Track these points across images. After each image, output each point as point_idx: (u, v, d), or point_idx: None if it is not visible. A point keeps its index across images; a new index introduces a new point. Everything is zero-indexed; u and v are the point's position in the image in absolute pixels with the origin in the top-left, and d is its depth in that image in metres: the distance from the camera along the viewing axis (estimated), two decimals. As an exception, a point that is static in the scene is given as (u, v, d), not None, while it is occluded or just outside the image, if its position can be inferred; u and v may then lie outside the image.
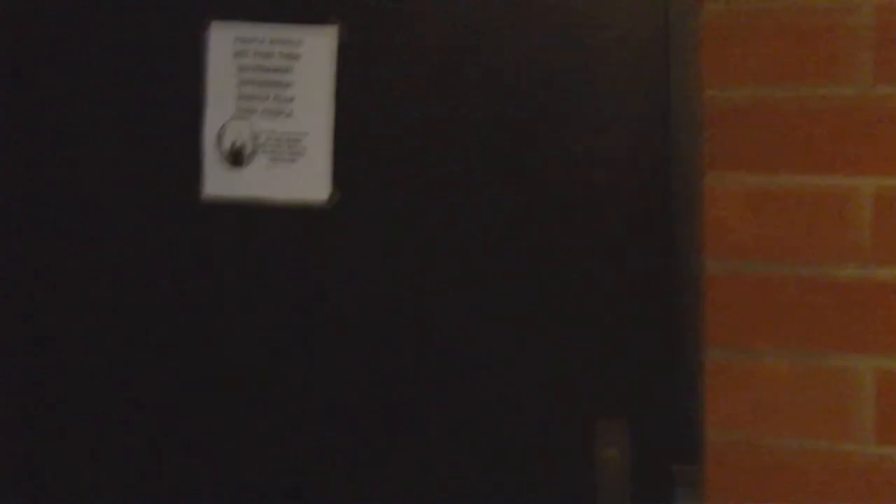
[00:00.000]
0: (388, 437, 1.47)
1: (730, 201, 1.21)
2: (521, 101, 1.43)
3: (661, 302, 1.38)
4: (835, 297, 1.17)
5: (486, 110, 1.44)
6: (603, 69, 1.40)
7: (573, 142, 1.42)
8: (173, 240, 1.54)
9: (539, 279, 1.43)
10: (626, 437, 1.39)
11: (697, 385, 1.26)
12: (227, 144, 1.52)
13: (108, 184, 1.56)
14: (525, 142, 1.43)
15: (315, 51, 1.49)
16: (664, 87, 1.38)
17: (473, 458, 1.45)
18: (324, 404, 1.49)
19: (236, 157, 1.52)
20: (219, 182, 1.53)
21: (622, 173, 1.40)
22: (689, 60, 1.34)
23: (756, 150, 1.20)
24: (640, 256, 1.40)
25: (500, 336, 1.44)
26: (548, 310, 1.43)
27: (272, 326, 1.51)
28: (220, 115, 1.53)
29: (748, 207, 1.21)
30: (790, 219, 1.19)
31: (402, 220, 1.47)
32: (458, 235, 1.45)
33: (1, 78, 1.57)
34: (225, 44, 1.52)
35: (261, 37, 1.52)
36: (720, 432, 1.22)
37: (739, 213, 1.21)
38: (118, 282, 1.55)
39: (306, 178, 1.49)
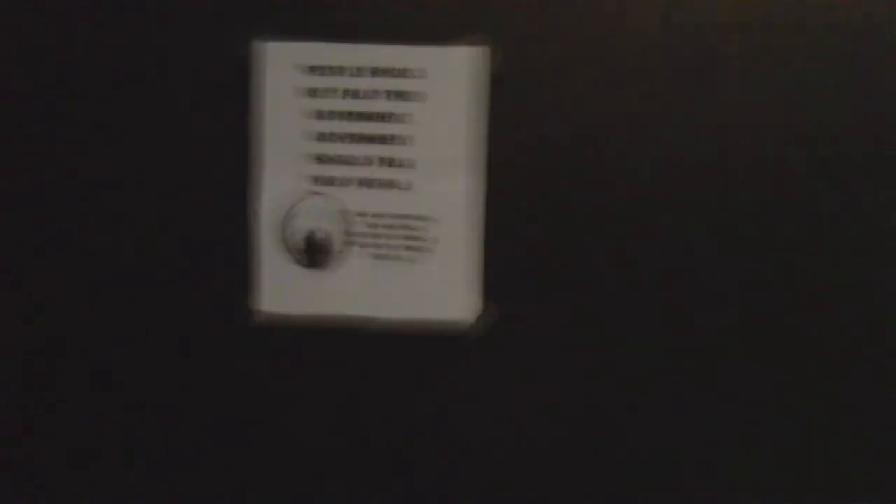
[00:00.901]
0: None
1: None
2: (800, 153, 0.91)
3: None
4: None
5: (735, 177, 0.91)
6: None
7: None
8: (216, 373, 0.96)
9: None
10: None
11: None
12: (297, 234, 0.95)
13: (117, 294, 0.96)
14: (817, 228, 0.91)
15: (449, 85, 0.92)
16: None
17: None
18: None
19: (314, 255, 0.95)
20: (284, 294, 0.95)
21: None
22: None
23: None
24: None
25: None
26: None
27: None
28: (283, 189, 0.94)
29: None
30: None
31: (590, 353, 0.93)
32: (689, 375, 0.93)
33: None
34: (286, 75, 0.94)
35: (354, 64, 0.94)
36: None
37: None
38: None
39: (435, 288, 0.93)
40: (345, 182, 0.94)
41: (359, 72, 0.93)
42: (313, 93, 0.94)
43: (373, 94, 0.93)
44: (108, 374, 0.97)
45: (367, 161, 0.94)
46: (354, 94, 0.93)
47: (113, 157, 0.96)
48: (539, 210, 0.92)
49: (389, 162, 0.93)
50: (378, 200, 0.94)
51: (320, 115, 0.94)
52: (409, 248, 0.93)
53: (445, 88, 0.92)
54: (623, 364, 0.92)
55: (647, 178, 0.90)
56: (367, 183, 0.94)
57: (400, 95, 0.93)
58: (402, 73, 0.93)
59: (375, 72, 0.93)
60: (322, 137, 0.94)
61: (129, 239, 0.96)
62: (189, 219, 0.96)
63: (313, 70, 0.94)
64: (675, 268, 0.90)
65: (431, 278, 0.93)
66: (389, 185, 0.94)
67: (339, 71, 0.93)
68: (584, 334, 0.92)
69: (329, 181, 0.94)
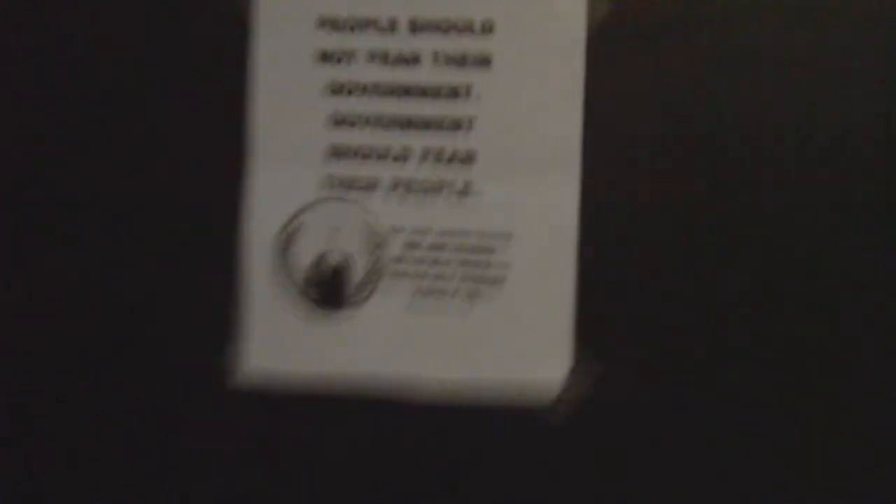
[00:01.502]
0: None
1: None
2: None
3: None
4: None
5: None
6: None
7: None
8: (192, 456, 0.67)
9: None
10: None
11: None
12: (303, 259, 0.66)
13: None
14: None
15: (528, 44, 0.64)
16: None
17: None
18: None
19: (327, 289, 0.66)
20: (285, 345, 0.66)
21: None
22: None
23: None
24: None
25: None
26: None
27: None
28: (284, 194, 0.66)
29: None
30: None
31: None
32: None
33: None
34: (287, 32, 0.65)
35: (386, 13, 0.65)
36: None
37: None
38: None
39: (507, 336, 0.65)
40: (372, 184, 0.65)
41: (392, 26, 0.64)
42: (326, 57, 0.65)
43: (413, 59, 0.64)
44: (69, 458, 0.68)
45: (405, 154, 0.65)
46: (385, 57, 0.64)
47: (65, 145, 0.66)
48: (656, 226, 0.64)
49: (438, 155, 0.65)
50: (422, 211, 0.65)
51: (337, 88, 0.65)
52: (467, 279, 0.64)
53: (523, 50, 0.63)
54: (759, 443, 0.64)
55: (790, 195, 0.62)
56: (405, 185, 0.65)
57: (455, 60, 0.64)
58: (457, 26, 0.64)
59: (416, 25, 0.64)
60: (339, 121, 0.65)
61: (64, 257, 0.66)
62: (155, 234, 0.66)
63: (325, 24, 0.65)
64: (823, 310, 0.63)
65: (501, 323, 0.64)
66: (438, 188, 0.65)
67: (364, 24, 0.65)
68: (707, 401, 0.64)
69: (350, 183, 0.65)
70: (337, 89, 0.65)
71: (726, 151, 0.63)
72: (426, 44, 0.64)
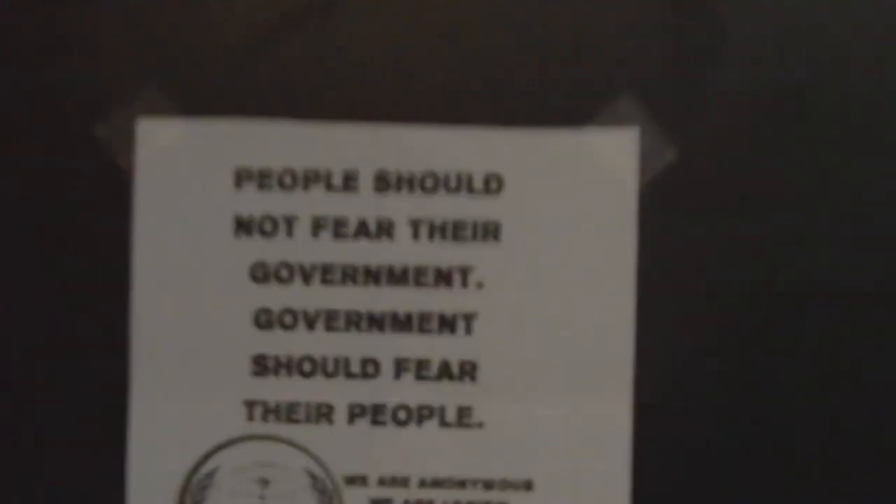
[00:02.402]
0: None
1: None
2: None
3: None
4: None
5: None
6: None
7: None
8: None
9: None
10: None
11: None
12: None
13: None
14: None
15: (559, 206, 0.43)
16: None
17: None
18: None
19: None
20: None
21: None
22: None
23: None
24: None
25: None
26: None
27: None
28: (184, 432, 0.43)
29: None
30: None
31: None
32: None
33: None
34: (192, 186, 0.43)
35: (341, 164, 0.43)
36: None
37: None
38: None
39: None
40: (321, 414, 0.43)
41: (349, 181, 0.43)
42: (247, 227, 0.43)
43: (381, 230, 0.43)
44: None
45: (371, 370, 0.43)
46: (339, 227, 0.43)
47: None
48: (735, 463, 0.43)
49: (420, 370, 0.43)
50: (396, 451, 0.43)
51: (263, 274, 0.43)
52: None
53: (550, 214, 0.43)
54: None
55: None
56: (370, 414, 0.43)
57: (446, 231, 0.43)
58: (448, 183, 0.43)
59: (386, 181, 0.43)
60: (268, 321, 0.43)
61: None
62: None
63: (245, 179, 0.43)
64: None
65: None
66: (420, 418, 0.43)
67: (306, 180, 0.43)
68: None
69: (286, 412, 0.43)
70: (263, 275, 0.43)
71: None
72: (401, 207, 0.43)
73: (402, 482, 0.44)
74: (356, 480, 0.44)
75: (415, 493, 0.44)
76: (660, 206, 0.43)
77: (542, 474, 0.43)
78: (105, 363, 0.44)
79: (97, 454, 0.44)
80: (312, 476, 0.44)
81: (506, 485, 0.43)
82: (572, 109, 0.43)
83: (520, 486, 0.43)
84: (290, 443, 0.44)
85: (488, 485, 0.43)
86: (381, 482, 0.44)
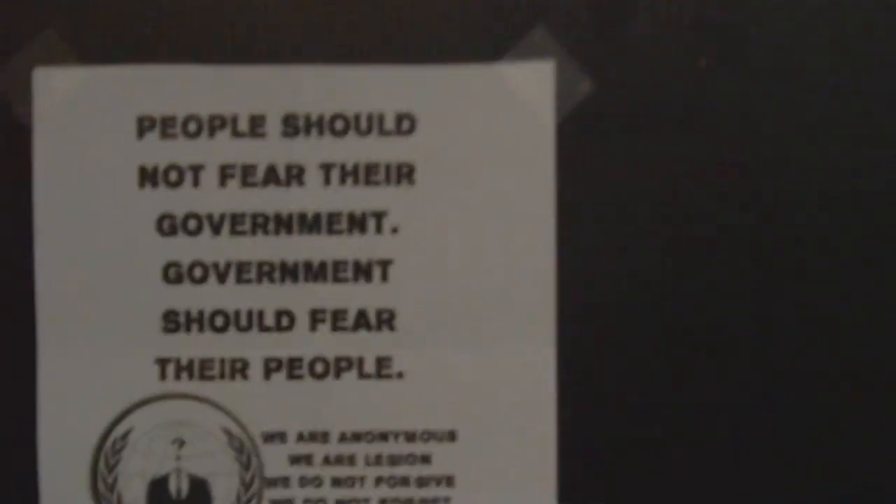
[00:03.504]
0: None
1: None
2: None
3: None
4: None
5: None
6: None
7: None
8: None
9: None
10: None
11: None
12: (129, 487, 0.42)
13: None
14: None
15: (468, 144, 0.41)
16: None
17: None
18: None
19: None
20: None
21: None
22: None
23: None
24: None
25: None
26: None
27: None
28: (92, 390, 0.41)
29: None
30: None
31: None
32: None
33: None
34: (95, 136, 0.41)
35: (245, 106, 0.42)
36: None
37: None
38: None
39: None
40: (235, 370, 0.42)
41: (256, 126, 0.41)
42: (152, 177, 0.41)
43: (291, 175, 0.41)
44: None
45: (285, 322, 0.41)
46: (248, 174, 0.41)
47: None
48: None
49: (336, 321, 0.42)
50: (313, 406, 0.42)
51: (170, 226, 0.41)
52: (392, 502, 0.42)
53: (458, 165, 0.41)
54: None
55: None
56: (285, 369, 0.42)
57: (358, 174, 0.41)
58: (359, 124, 0.41)
59: (295, 124, 0.41)
60: (178, 275, 0.42)
61: None
62: None
63: (148, 128, 0.41)
64: None
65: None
66: (338, 370, 0.42)
67: (213, 126, 0.41)
68: None
69: (200, 370, 0.42)
70: (171, 227, 0.41)
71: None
72: (311, 151, 0.41)
73: (322, 437, 0.42)
74: (274, 437, 0.42)
75: (335, 448, 0.42)
76: (578, 139, 0.41)
77: (466, 424, 0.42)
78: (10, 325, 0.42)
79: (6, 418, 0.42)
80: (229, 434, 0.42)
81: (429, 436, 0.42)
82: (486, 43, 0.41)
83: (443, 436, 0.42)
84: (205, 400, 0.42)
85: (410, 436, 0.42)
86: (301, 438, 0.42)
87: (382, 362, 0.42)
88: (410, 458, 0.42)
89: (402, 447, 0.42)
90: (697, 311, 0.42)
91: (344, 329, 0.42)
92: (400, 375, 0.42)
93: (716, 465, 0.42)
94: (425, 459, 0.42)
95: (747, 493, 0.43)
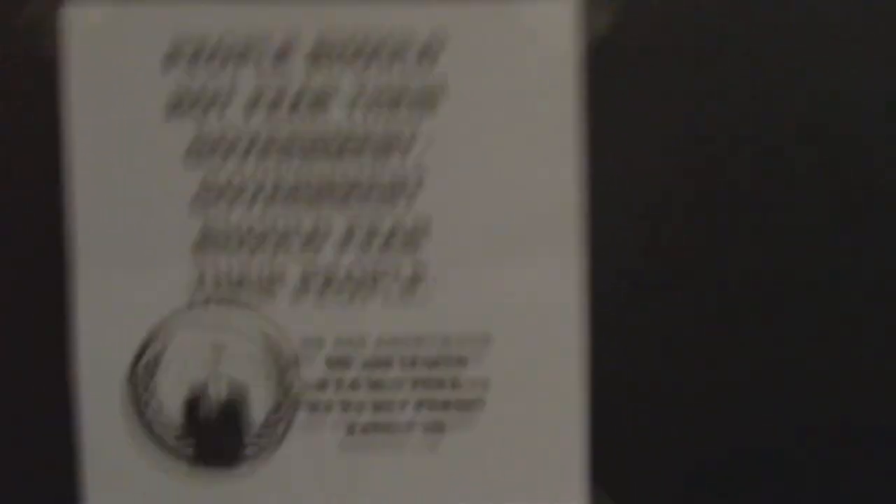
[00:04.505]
0: None
1: None
2: None
3: None
4: None
5: None
6: None
7: None
8: None
9: None
10: None
11: None
12: (169, 400, 0.45)
13: None
14: None
15: (495, 73, 0.43)
16: None
17: None
18: None
19: (208, 441, 0.45)
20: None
21: None
22: None
23: None
24: None
25: None
26: None
27: None
28: (133, 305, 0.43)
29: None
30: None
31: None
32: None
33: None
34: (124, 70, 0.42)
35: (278, 37, 0.43)
36: None
37: None
38: None
39: (492, 477, 0.46)
40: (272, 281, 0.44)
41: (284, 52, 0.42)
42: (182, 105, 0.42)
43: (324, 98, 0.43)
44: None
45: (320, 235, 0.43)
46: (277, 99, 0.42)
47: None
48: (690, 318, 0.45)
49: (370, 234, 0.44)
50: (351, 314, 0.44)
51: (204, 148, 0.43)
52: (428, 405, 0.45)
53: (489, 77, 0.42)
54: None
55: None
56: (322, 280, 0.44)
57: (386, 98, 0.43)
58: (386, 47, 0.42)
59: (322, 48, 0.42)
60: (213, 195, 0.43)
61: None
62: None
63: (176, 57, 0.42)
64: None
65: (480, 463, 0.45)
66: (374, 281, 0.44)
67: (239, 53, 0.42)
68: None
69: (236, 280, 0.43)
70: (204, 150, 0.43)
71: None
72: (339, 77, 0.42)
73: (360, 342, 0.44)
74: (312, 342, 0.44)
75: (373, 350, 0.44)
76: (601, 72, 0.43)
77: (499, 329, 0.44)
78: (44, 252, 0.43)
79: (45, 343, 0.44)
80: (268, 338, 0.44)
81: (463, 339, 0.44)
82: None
83: (477, 340, 0.44)
84: (244, 305, 0.44)
85: (446, 340, 0.44)
86: (338, 342, 0.44)
87: (416, 275, 0.44)
88: (446, 361, 0.45)
89: (438, 350, 0.44)
90: (728, 235, 0.45)
91: (378, 245, 0.43)
92: (434, 283, 0.44)
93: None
94: (461, 362, 0.45)
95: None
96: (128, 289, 0.43)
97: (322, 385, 0.45)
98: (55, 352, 0.44)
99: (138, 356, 0.44)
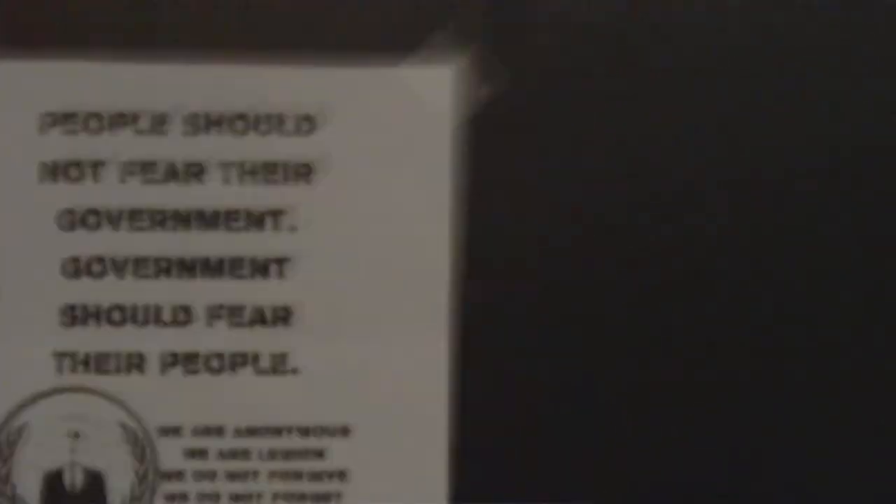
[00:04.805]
0: None
1: None
2: None
3: None
4: None
5: None
6: None
7: None
8: None
9: None
10: None
11: None
12: (27, 480, 0.43)
13: None
14: None
15: (376, 141, 0.43)
16: None
17: None
18: None
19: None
20: None
21: None
22: None
23: None
24: None
25: None
26: None
27: None
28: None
29: None
30: None
31: None
32: None
33: None
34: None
35: (154, 104, 0.42)
36: None
37: None
38: None
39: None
40: (132, 364, 0.42)
41: (159, 124, 0.42)
42: (55, 172, 0.42)
43: (191, 172, 0.42)
44: None
45: (183, 317, 0.42)
46: (149, 171, 0.42)
47: None
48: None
49: (234, 317, 0.42)
50: (211, 400, 0.42)
51: (73, 220, 0.42)
52: (287, 497, 0.43)
53: (364, 154, 0.42)
54: None
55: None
56: (183, 363, 0.42)
57: (259, 172, 0.42)
58: (262, 125, 0.42)
59: (197, 122, 0.42)
60: (79, 268, 0.42)
61: None
62: None
63: (52, 124, 0.42)
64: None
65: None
66: (234, 365, 0.42)
67: (115, 123, 0.42)
68: None
69: (97, 363, 0.42)
70: (73, 221, 0.42)
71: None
72: (211, 149, 0.42)
73: (217, 431, 0.43)
74: (170, 431, 0.43)
75: (230, 442, 0.43)
76: (479, 141, 0.42)
77: (360, 419, 0.42)
78: None
79: None
80: (125, 428, 0.43)
81: (322, 431, 0.42)
82: (388, 45, 0.42)
83: (336, 431, 0.42)
84: (101, 394, 0.42)
85: (304, 431, 0.42)
86: (196, 432, 0.43)
87: (278, 358, 0.42)
88: (304, 453, 0.43)
89: (296, 441, 0.42)
90: (595, 307, 0.43)
91: (241, 325, 0.42)
92: (295, 371, 0.42)
93: (614, 463, 0.43)
94: (319, 454, 0.43)
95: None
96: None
97: (179, 475, 0.43)
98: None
99: (-5, 436, 0.43)
